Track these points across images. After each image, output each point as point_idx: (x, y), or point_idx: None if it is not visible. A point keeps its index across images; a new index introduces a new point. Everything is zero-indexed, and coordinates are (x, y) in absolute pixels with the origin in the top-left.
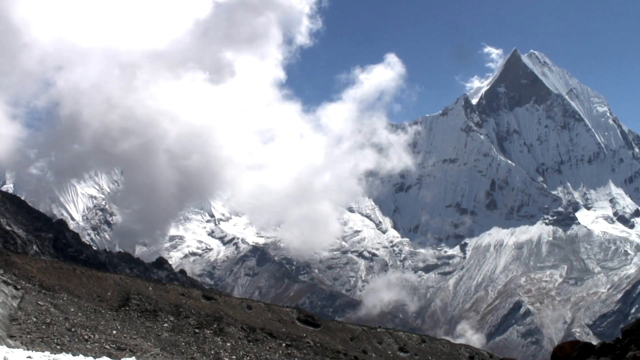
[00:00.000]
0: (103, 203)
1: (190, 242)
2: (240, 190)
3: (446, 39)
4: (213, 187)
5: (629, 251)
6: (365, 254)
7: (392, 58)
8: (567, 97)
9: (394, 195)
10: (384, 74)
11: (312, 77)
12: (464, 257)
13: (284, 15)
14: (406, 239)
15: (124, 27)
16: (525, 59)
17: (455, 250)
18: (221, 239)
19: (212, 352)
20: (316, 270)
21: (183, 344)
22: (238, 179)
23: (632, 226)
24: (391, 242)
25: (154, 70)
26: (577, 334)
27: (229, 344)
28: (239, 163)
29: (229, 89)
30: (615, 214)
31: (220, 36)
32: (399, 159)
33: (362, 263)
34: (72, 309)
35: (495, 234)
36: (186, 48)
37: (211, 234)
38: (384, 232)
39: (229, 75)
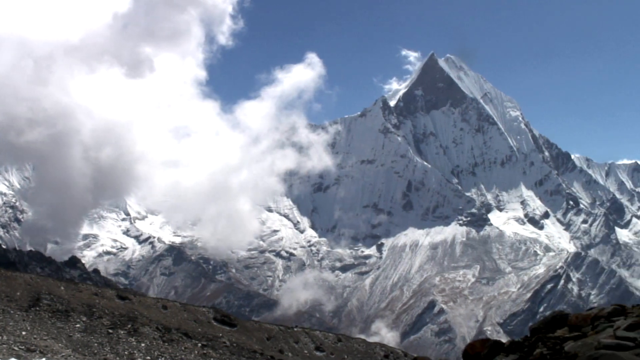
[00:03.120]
0: (13, 200)
1: (104, 240)
2: (156, 188)
3: (366, 40)
4: (127, 183)
5: (539, 252)
6: (283, 253)
7: (312, 58)
8: (481, 101)
9: (313, 195)
10: (304, 73)
11: (232, 77)
12: (380, 257)
13: (206, 14)
14: (324, 239)
15: (38, 18)
16: (442, 62)
17: (372, 250)
18: (136, 237)
19: (125, 352)
20: (233, 270)
21: (96, 344)
22: (152, 175)
23: (541, 227)
24: (309, 241)
25: (69, 63)
26: (488, 332)
27: (143, 345)
28: (152, 159)
29: (146, 85)
30: (525, 215)
31: (139, 31)
32: (320, 159)
33: (279, 262)
34: None
35: (411, 234)
36: (104, 42)
37: (126, 232)
38: (301, 231)
39: (148, 71)
